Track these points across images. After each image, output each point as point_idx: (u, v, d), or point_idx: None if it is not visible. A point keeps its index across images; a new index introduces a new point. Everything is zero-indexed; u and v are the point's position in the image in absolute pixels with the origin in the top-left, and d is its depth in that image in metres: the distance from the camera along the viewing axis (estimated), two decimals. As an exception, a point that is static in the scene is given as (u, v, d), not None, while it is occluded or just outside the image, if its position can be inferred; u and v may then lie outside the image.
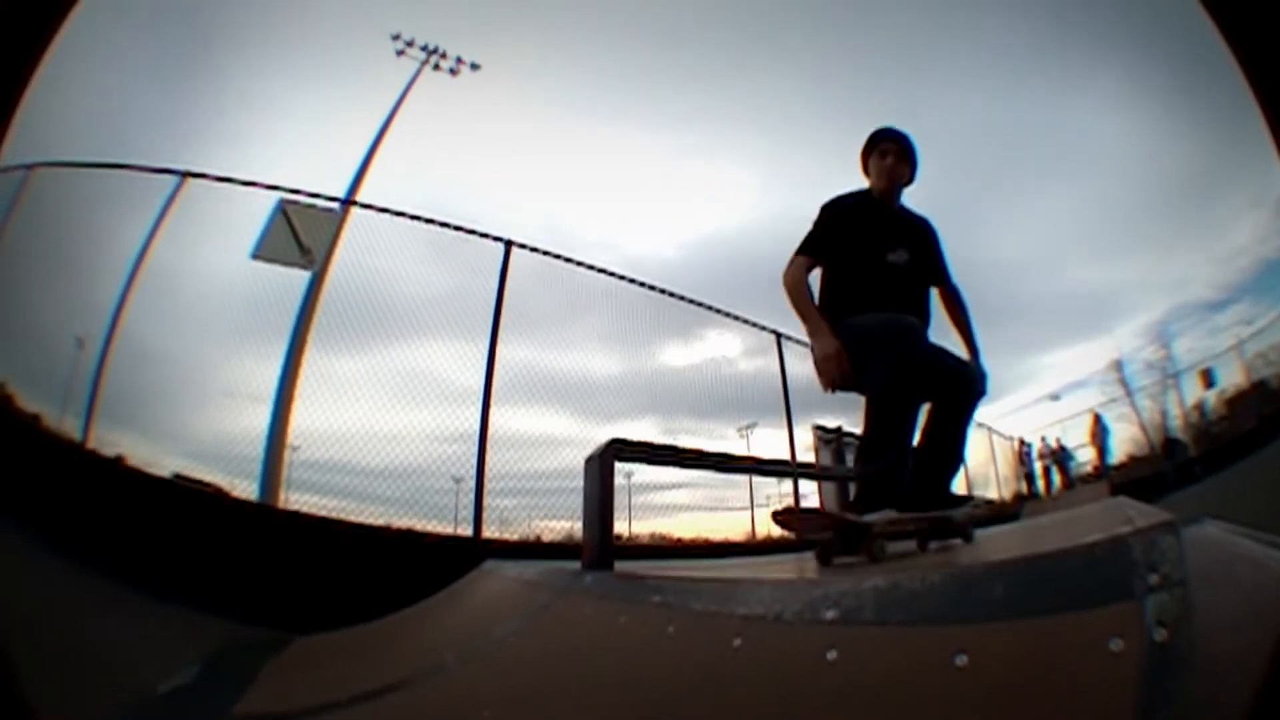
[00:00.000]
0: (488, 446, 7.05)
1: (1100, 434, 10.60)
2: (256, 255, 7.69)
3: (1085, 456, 10.92)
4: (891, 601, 1.13)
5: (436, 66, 16.07)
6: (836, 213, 3.27)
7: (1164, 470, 9.73)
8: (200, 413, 8.06)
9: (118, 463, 7.11)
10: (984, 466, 10.47)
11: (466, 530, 6.74)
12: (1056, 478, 11.19)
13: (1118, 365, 11.40)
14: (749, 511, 9.68)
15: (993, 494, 10.55)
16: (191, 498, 6.98)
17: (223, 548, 6.44)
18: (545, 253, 8.14)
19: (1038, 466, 11.34)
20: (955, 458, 3.27)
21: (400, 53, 15.87)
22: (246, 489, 7.40)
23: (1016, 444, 11.33)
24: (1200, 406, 10.27)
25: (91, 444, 7.12)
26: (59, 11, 1.32)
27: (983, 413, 10.91)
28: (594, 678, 1.81)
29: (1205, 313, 11.87)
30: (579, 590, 2.50)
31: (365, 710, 2.52)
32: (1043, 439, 11.39)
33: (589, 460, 3.33)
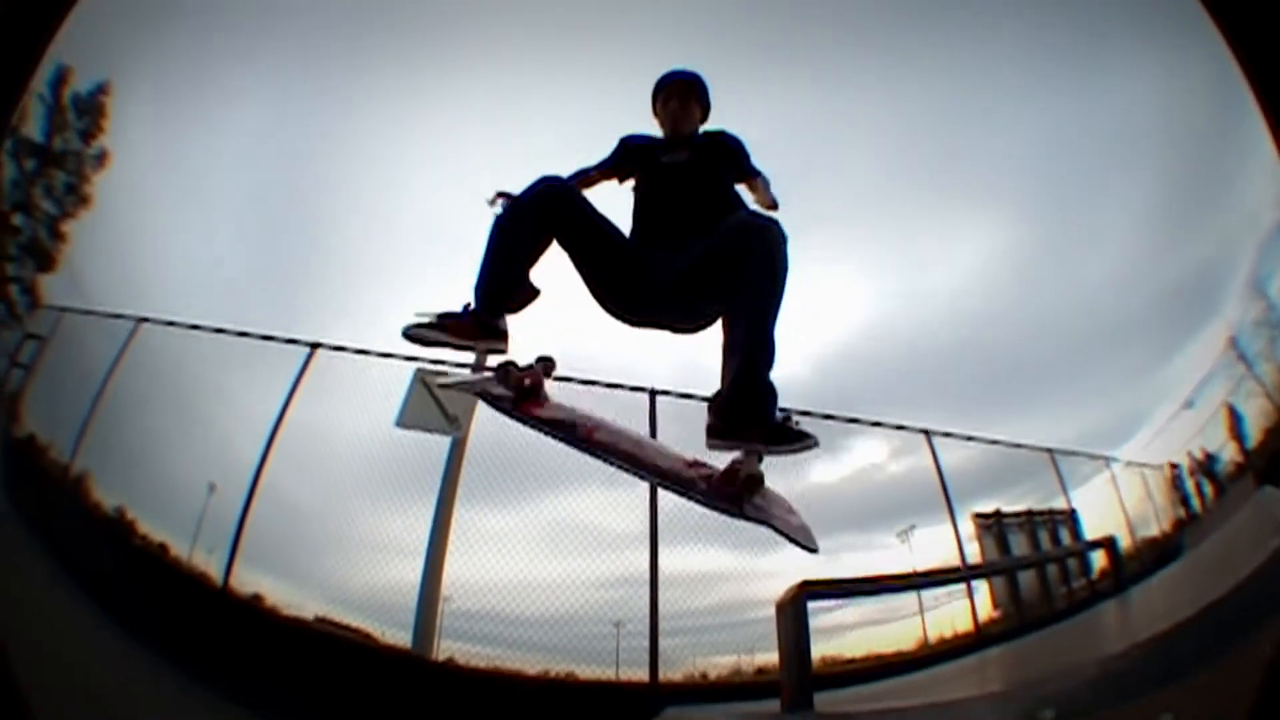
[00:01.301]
0: (659, 587, 7.26)
1: (1235, 423, 9.72)
2: (401, 424, 8.36)
3: (1230, 455, 10.01)
4: (1104, 687, 1.27)
5: None
6: (627, 140, 3.47)
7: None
8: (347, 563, 8.38)
9: (256, 601, 7.79)
10: (1142, 505, 9.71)
11: (630, 675, 6.85)
12: (1209, 490, 10.17)
13: (1232, 342, 10.47)
14: (919, 617, 9.33)
15: (1155, 531, 9.71)
16: (335, 642, 7.58)
17: (375, 694, 6.87)
18: (685, 395, 8.41)
19: (1190, 485, 10.35)
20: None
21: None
22: (398, 637, 7.87)
23: (1168, 470, 10.43)
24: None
25: (232, 582, 7.74)
26: (59, 11, 1.35)
27: (1130, 450, 10.21)
28: None
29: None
30: None
31: None
32: (1189, 454, 10.47)
33: (781, 605, 3.50)
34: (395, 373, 8.67)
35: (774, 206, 3.18)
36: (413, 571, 8.18)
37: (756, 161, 3.37)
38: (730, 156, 3.33)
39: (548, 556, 7.93)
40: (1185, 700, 1.15)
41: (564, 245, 2.81)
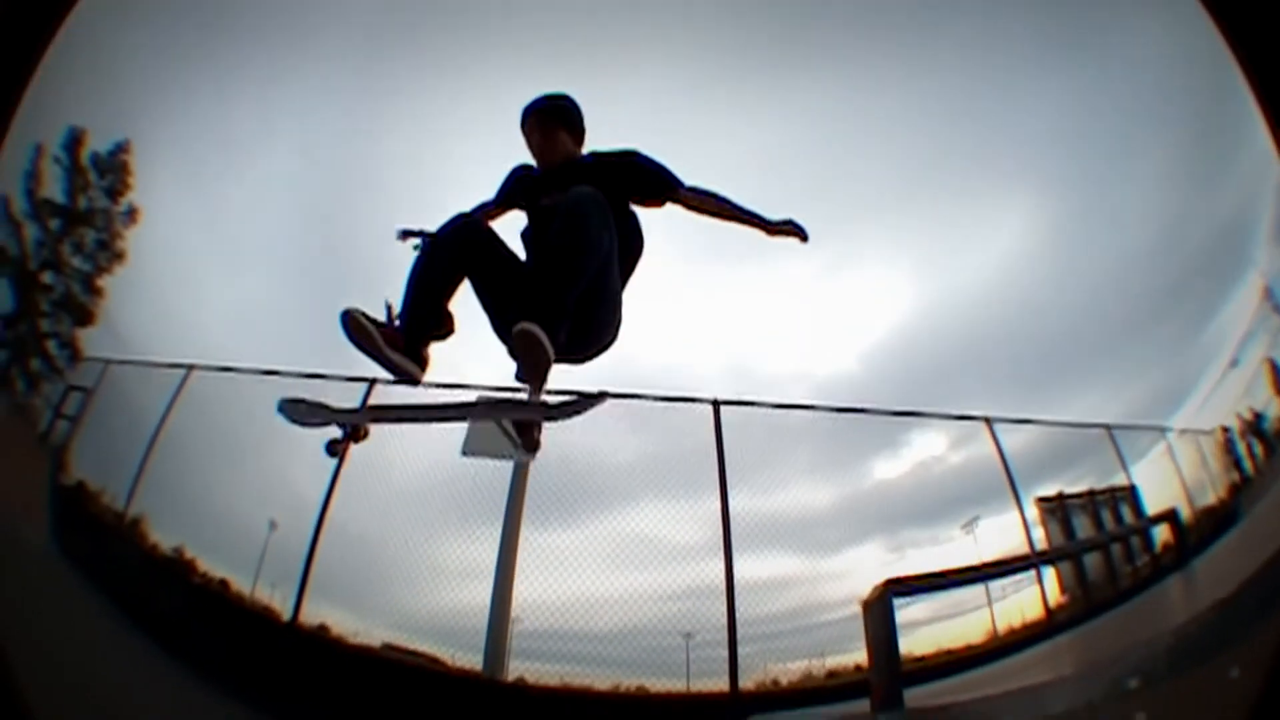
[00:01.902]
0: (735, 596, 7.24)
1: (1277, 378, 9.59)
2: (467, 452, 8.57)
3: (1276, 410, 9.86)
4: (1179, 653, 1.44)
5: None
6: (514, 173, 3.55)
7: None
8: (414, 590, 8.61)
9: (322, 631, 8.06)
10: (1198, 473, 9.61)
11: (700, 686, 6.95)
12: (1259, 450, 9.99)
13: (1267, 293, 10.29)
14: (988, 609, 9.37)
15: (1212, 499, 9.59)
16: (404, 668, 7.78)
17: (445, 717, 7.08)
18: (750, 403, 8.56)
19: (1241, 448, 10.16)
20: None
21: None
22: (468, 660, 7.96)
23: (1220, 435, 10.26)
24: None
25: (302, 616, 7.87)
26: (59, 11, 1.38)
27: (1182, 419, 10.14)
28: None
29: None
30: None
31: None
32: (1238, 416, 10.30)
33: (867, 604, 3.64)
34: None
35: (743, 216, 3.24)
36: (481, 594, 8.33)
37: (676, 172, 3.32)
38: (619, 178, 3.27)
39: (614, 571, 8.06)
40: (1249, 656, 1.29)
41: (471, 279, 2.98)
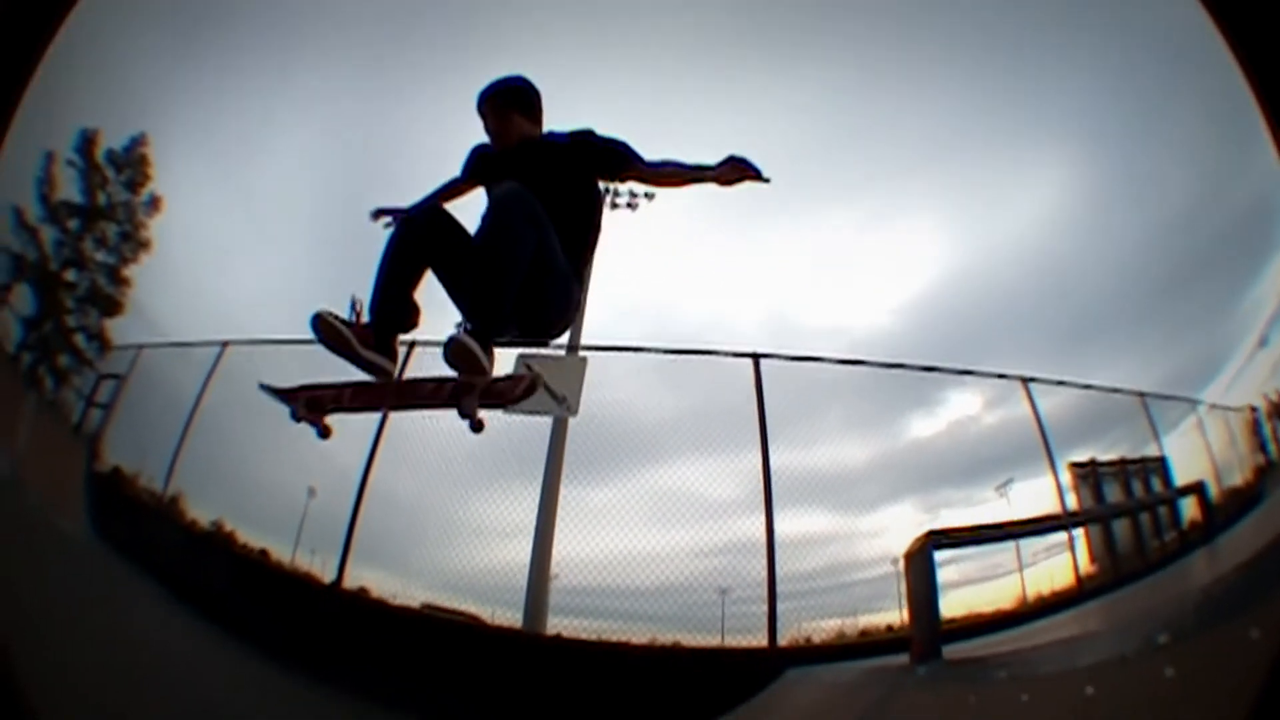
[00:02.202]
0: (775, 550, 7.30)
1: None
2: (509, 409, 8.69)
3: None
4: (1206, 611, 1.55)
5: (614, 205, 17.69)
6: (474, 152, 3.64)
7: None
8: (454, 550, 8.68)
9: (363, 594, 8.22)
10: (1227, 452, 9.58)
11: (735, 642, 7.12)
12: None
13: None
14: (1018, 574, 9.48)
15: (1239, 480, 9.56)
16: (444, 625, 7.88)
17: (485, 674, 7.05)
18: (791, 357, 8.55)
19: (1267, 430, 10.07)
20: None
21: None
22: (508, 617, 8.31)
23: (1248, 414, 10.17)
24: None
25: (346, 581, 8.06)
26: (59, 11, 1.37)
27: (1213, 393, 10.03)
28: None
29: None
30: (916, 683, 2.86)
31: None
32: (1265, 397, 10.20)
33: (908, 556, 3.80)
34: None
35: (695, 175, 3.20)
36: (519, 553, 8.59)
37: (635, 149, 3.32)
38: (573, 158, 3.37)
39: (650, 528, 8.18)
40: (1269, 619, 1.35)
41: (433, 268, 3.12)
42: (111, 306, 24.61)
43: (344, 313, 2.97)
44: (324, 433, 3.23)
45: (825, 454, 8.53)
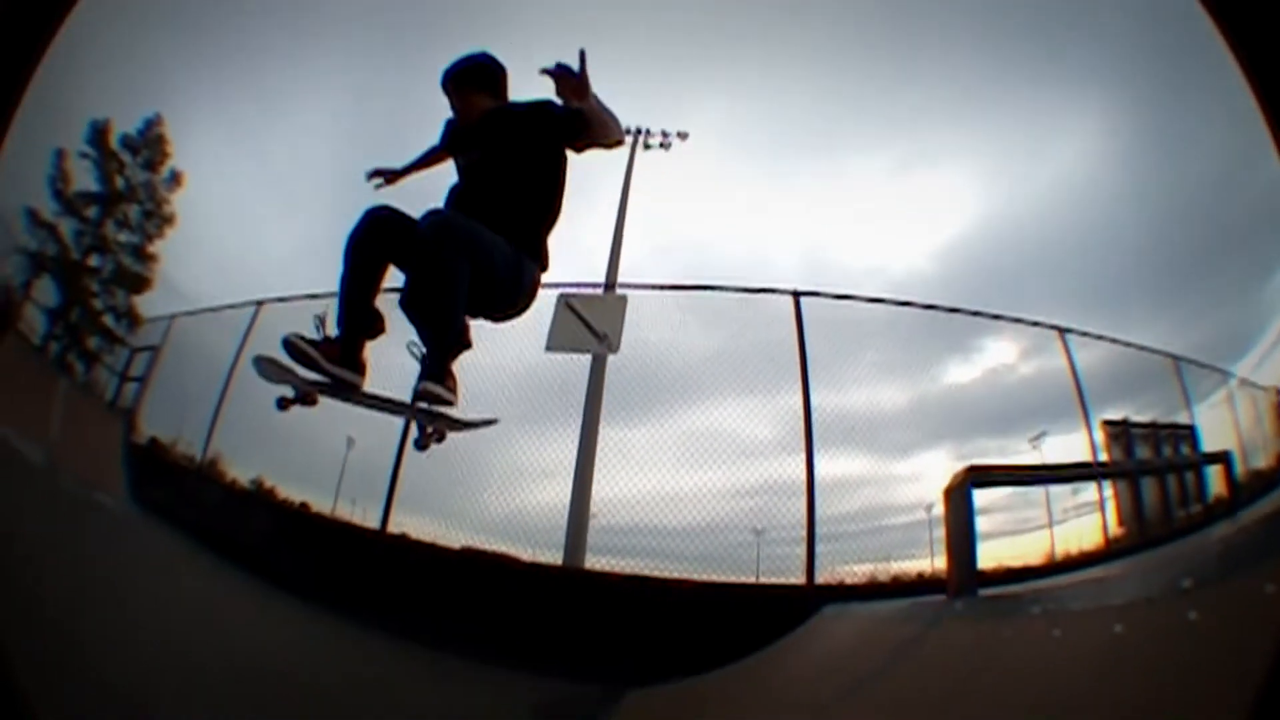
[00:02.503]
0: (799, 494, 7.48)
1: None
2: (551, 348, 8.93)
3: None
4: (1228, 559, 1.72)
5: (647, 145, 17.65)
6: (446, 125, 3.84)
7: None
8: (493, 493, 9.01)
9: (403, 539, 8.43)
10: (1253, 430, 9.66)
11: (770, 582, 7.23)
12: None
13: None
14: (1048, 530, 9.61)
15: (1262, 463, 9.61)
16: (483, 564, 8.08)
17: (528, 611, 7.30)
18: (830, 295, 8.68)
19: None
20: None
21: None
22: (548, 557, 8.45)
23: (1275, 396, 10.19)
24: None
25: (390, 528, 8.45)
26: (59, 11, 1.36)
27: (1244, 367, 10.00)
28: (994, 689, 2.04)
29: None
30: (952, 616, 2.91)
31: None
32: None
33: (948, 491, 3.93)
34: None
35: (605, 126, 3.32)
36: (556, 494, 8.81)
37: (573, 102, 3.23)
38: (530, 129, 3.46)
39: (687, 468, 8.30)
40: None
41: (394, 265, 3.30)
42: (139, 283, 25.44)
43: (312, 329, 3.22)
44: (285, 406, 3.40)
45: (860, 397, 8.58)
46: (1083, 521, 8.79)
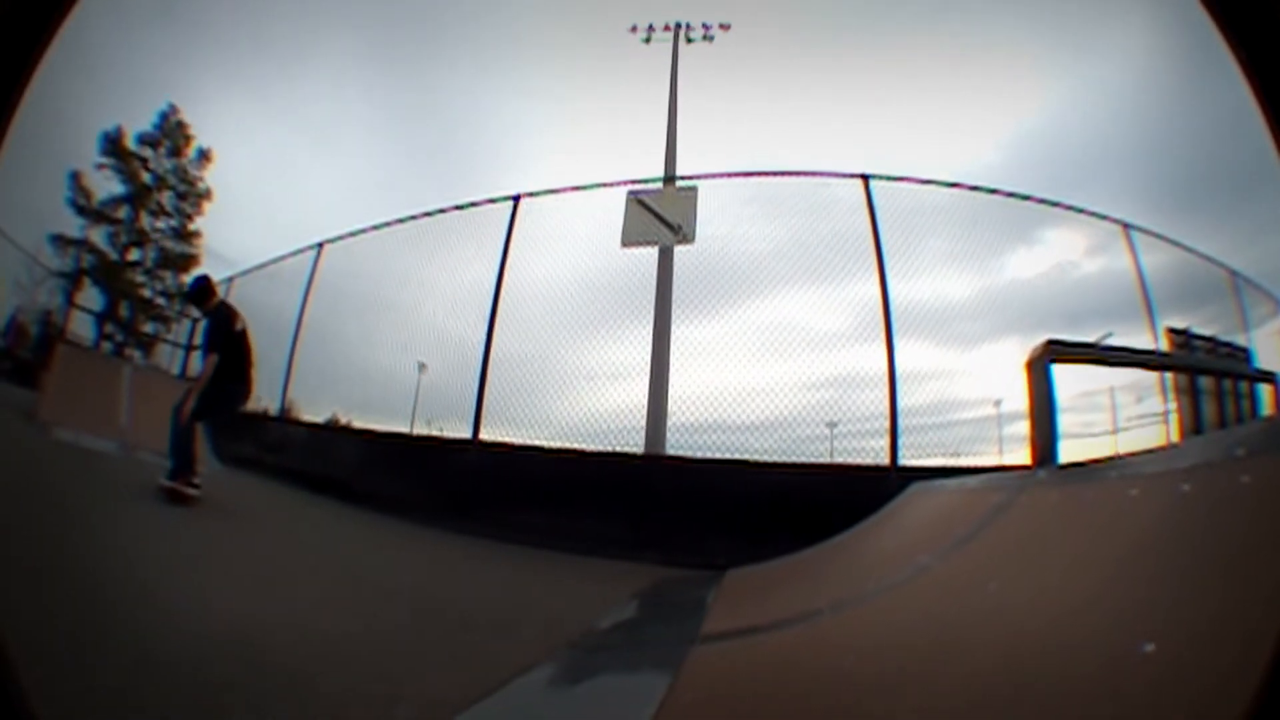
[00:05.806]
0: (869, 386, 7.83)
1: None
2: (626, 243, 9.45)
3: None
4: (1276, 432, 2.10)
5: (689, 39, 17.53)
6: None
7: None
8: (569, 399, 9.44)
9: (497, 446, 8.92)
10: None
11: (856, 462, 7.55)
12: None
13: None
14: (1111, 437, 10.09)
15: None
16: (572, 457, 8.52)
17: (622, 493, 7.87)
18: (899, 178, 8.79)
19: None
20: None
21: (647, 40, 18.14)
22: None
23: None
24: None
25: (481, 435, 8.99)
26: (59, 11, 1.37)
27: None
28: (1083, 541, 2.19)
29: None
30: (1036, 484, 3.01)
31: (840, 621, 2.96)
32: None
33: (1030, 363, 4.18)
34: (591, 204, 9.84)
35: None
36: (630, 396, 9.29)
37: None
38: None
39: (757, 362, 8.56)
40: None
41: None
42: (186, 261, 26.73)
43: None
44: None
45: (926, 286, 8.65)
46: (1145, 433, 9.36)
